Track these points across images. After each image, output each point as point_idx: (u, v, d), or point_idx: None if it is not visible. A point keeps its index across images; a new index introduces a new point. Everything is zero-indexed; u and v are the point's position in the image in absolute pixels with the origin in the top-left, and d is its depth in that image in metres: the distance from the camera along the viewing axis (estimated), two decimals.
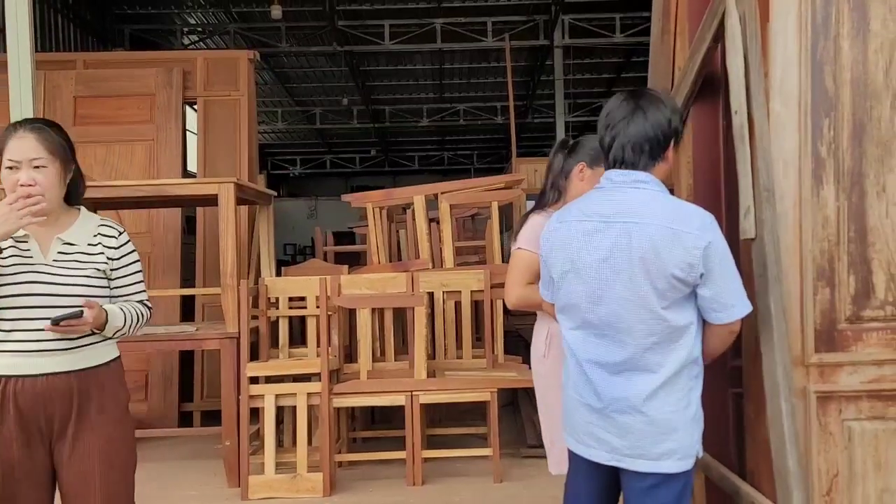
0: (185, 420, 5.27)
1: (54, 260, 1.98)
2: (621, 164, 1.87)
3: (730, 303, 1.77)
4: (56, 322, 1.85)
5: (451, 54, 11.42)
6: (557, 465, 2.39)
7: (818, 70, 1.97)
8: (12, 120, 3.30)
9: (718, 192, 2.41)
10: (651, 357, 1.79)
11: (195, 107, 5.91)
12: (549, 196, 2.56)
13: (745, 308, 1.80)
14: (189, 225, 5.61)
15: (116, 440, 2.01)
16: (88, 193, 2.19)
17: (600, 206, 1.86)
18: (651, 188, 1.84)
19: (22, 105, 3.91)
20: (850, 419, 1.95)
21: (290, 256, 15.25)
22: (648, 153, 1.84)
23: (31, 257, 1.97)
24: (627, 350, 1.80)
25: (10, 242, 1.96)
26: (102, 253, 2.05)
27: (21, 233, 1.96)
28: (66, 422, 1.95)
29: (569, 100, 11.51)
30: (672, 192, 2.58)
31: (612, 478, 1.95)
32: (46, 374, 1.92)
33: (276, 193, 4.86)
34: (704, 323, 1.84)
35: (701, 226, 1.75)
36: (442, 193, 4.07)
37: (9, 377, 1.91)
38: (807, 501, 1.81)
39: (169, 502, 3.73)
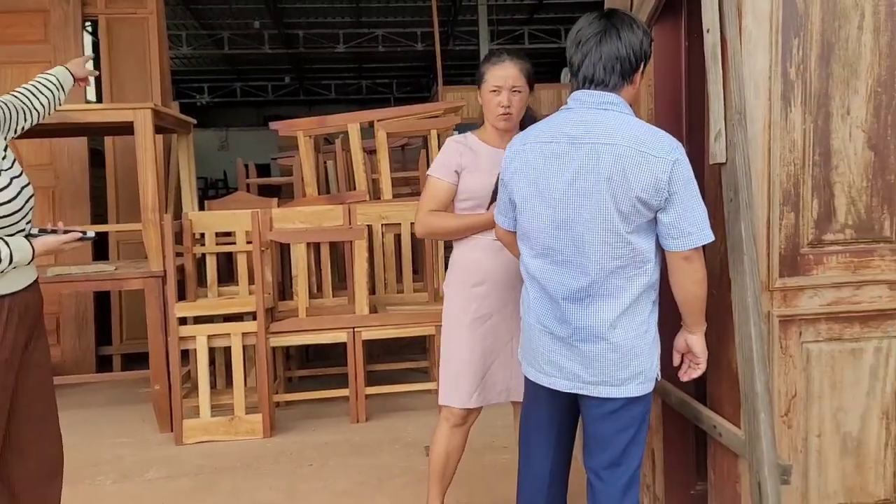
0: (103, 364, 4.99)
1: None
2: (590, 82, 1.80)
3: (687, 230, 1.74)
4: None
5: None
6: (449, 396, 2.38)
7: None
8: None
9: (680, 117, 2.35)
10: (614, 282, 1.77)
11: (88, 28, 5.39)
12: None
13: (702, 237, 1.76)
14: (95, 157, 5.18)
15: (48, 353, 2.09)
16: None
17: (568, 128, 1.78)
18: (620, 110, 1.79)
19: None
20: (809, 341, 1.98)
21: (202, 191, 14.59)
22: (620, 73, 1.79)
23: None
24: (589, 276, 1.77)
25: None
26: None
27: None
28: (33, 330, 2.01)
29: (492, 27, 11.25)
30: None
31: (571, 404, 1.95)
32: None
33: (195, 121, 4.52)
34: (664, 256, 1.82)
35: (669, 150, 1.72)
36: (378, 121, 3.87)
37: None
38: (772, 424, 1.83)
39: (99, 450, 3.53)
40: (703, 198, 2.09)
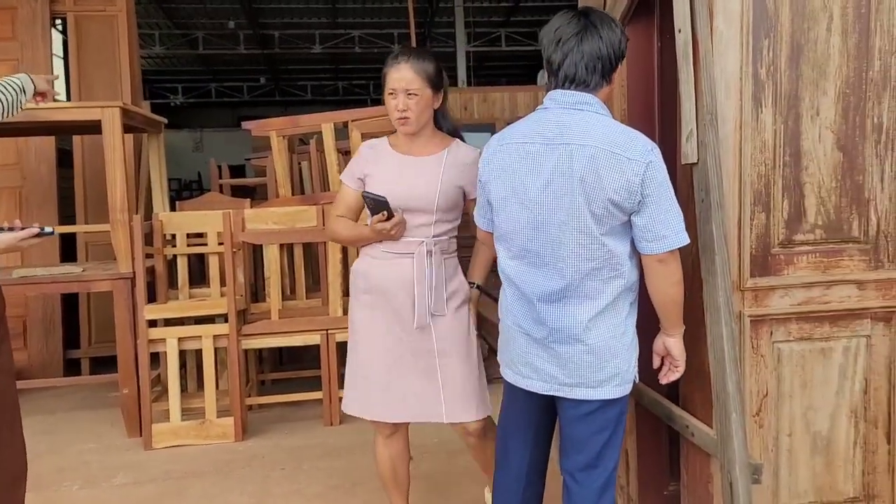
0: (70, 368, 4.89)
1: None
2: (571, 82, 1.78)
3: (662, 233, 1.72)
4: None
5: None
6: (349, 404, 2.29)
7: None
8: None
9: (653, 117, 2.36)
10: (590, 284, 1.76)
11: (58, 26, 5.30)
12: None
13: (677, 240, 1.74)
14: (63, 157, 5.08)
15: (10, 357, 2.05)
16: None
17: (543, 128, 1.78)
18: (595, 110, 1.78)
19: None
20: (780, 341, 1.99)
21: (175, 192, 14.42)
22: (601, 72, 1.78)
23: None
24: (566, 278, 1.76)
25: None
26: None
27: None
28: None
29: (468, 29, 11.26)
30: None
31: (548, 406, 1.94)
32: None
33: (166, 121, 4.45)
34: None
35: (643, 152, 1.71)
36: (353, 121, 3.84)
37: None
38: (743, 424, 1.84)
39: (66, 456, 3.45)
40: (678, 197, 2.10)
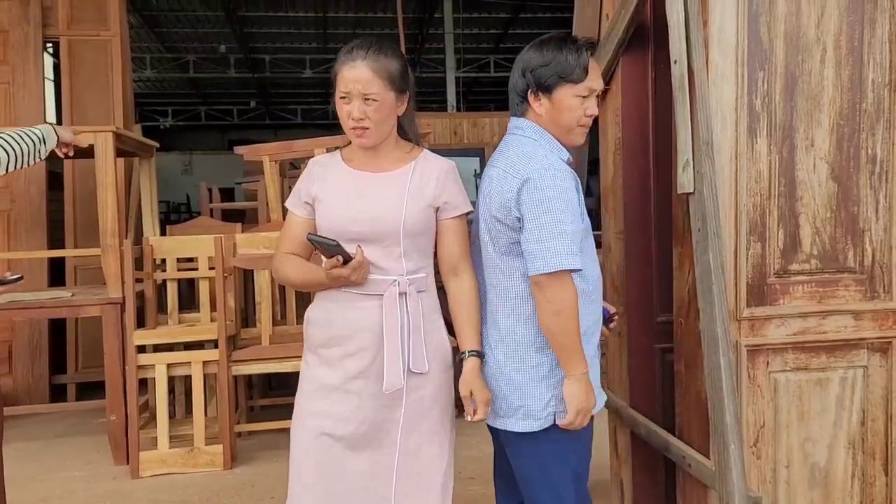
0: (57, 394, 4.81)
1: None
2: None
3: (534, 253, 1.66)
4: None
5: (336, 2, 10.93)
6: None
7: (754, 21, 1.94)
8: None
9: (647, 146, 2.37)
10: (491, 301, 1.80)
11: (49, 50, 5.29)
12: None
13: (556, 263, 1.63)
14: (54, 180, 5.05)
15: None
16: None
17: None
18: (522, 134, 1.81)
19: None
20: (777, 371, 1.99)
21: (164, 215, 14.36)
22: (518, 94, 1.82)
23: None
24: (485, 298, 1.82)
25: None
26: None
27: None
28: None
29: (458, 55, 11.35)
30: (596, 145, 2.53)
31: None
32: None
33: (158, 145, 4.44)
34: None
35: (525, 169, 1.71)
36: (345, 146, 3.83)
37: None
38: (742, 455, 1.83)
39: (51, 484, 3.38)
40: (671, 226, 2.11)
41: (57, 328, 4.88)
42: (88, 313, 3.67)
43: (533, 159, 1.71)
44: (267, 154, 3.94)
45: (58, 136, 2.25)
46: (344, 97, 1.73)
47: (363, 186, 1.77)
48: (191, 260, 3.96)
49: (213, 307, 3.80)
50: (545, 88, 1.75)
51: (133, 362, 3.45)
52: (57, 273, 4.92)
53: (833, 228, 1.99)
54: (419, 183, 1.78)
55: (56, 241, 4.93)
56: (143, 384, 3.56)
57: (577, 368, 1.69)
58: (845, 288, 1.99)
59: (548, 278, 1.65)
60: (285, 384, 4.68)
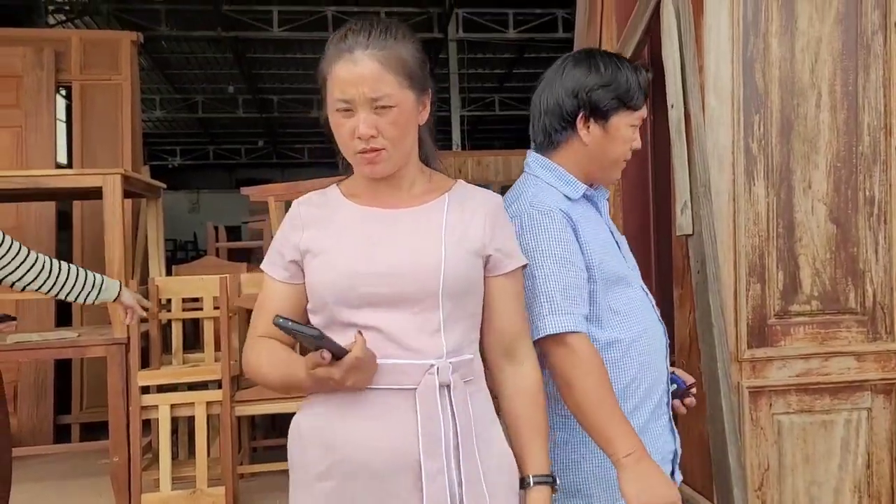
0: (61, 434, 4.79)
1: None
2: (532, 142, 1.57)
3: (529, 316, 1.33)
4: None
5: None
6: None
7: (749, 66, 1.98)
8: None
9: (647, 189, 2.40)
10: None
11: (62, 92, 5.40)
12: None
13: (535, 328, 1.32)
14: (62, 219, 5.11)
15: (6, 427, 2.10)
16: None
17: None
18: (527, 171, 1.52)
19: None
20: (780, 413, 1.98)
21: (171, 252, 14.47)
22: (543, 128, 1.52)
23: None
24: None
25: None
26: None
27: None
28: None
29: (462, 94, 11.52)
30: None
31: None
32: None
33: (165, 186, 4.50)
34: None
35: (506, 212, 1.34)
36: (345, 178, 3.88)
37: None
38: (745, 499, 1.81)
39: None
40: (670, 268, 2.12)
41: (62, 368, 4.89)
42: (93, 354, 3.68)
43: (516, 201, 1.43)
44: (273, 195, 3.99)
45: (120, 294, 2.31)
46: (345, 109, 1.18)
47: (380, 229, 1.22)
48: (196, 299, 3.98)
49: (217, 347, 3.81)
50: (601, 114, 1.44)
51: (137, 403, 3.45)
52: (64, 312, 4.94)
53: (833, 269, 1.99)
54: (459, 222, 1.24)
55: None
56: (147, 424, 3.55)
57: (622, 448, 1.26)
58: (847, 329, 1.99)
59: (543, 345, 1.32)
60: (289, 424, 4.66)
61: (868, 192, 2.00)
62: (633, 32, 2.19)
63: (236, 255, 5.81)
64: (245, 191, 4.07)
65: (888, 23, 1.96)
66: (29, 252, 2.20)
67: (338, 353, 1.09)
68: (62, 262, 2.29)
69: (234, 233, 8.93)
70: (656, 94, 2.37)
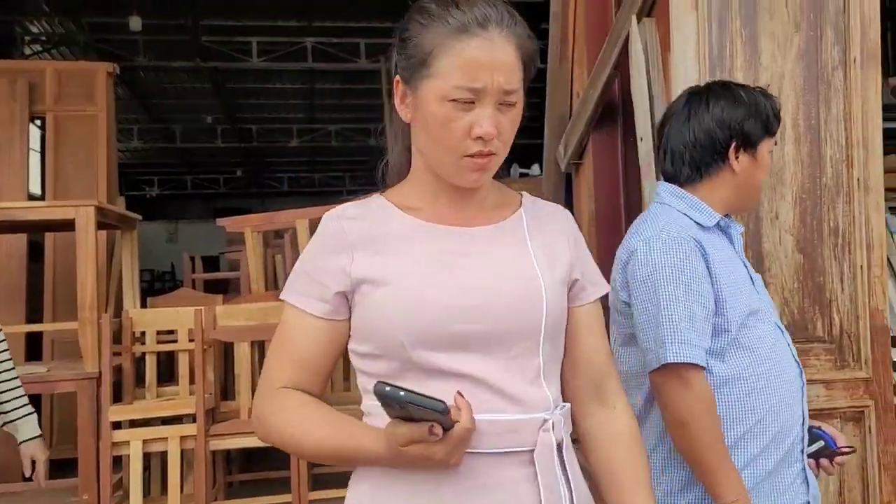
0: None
1: None
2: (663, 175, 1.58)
3: (646, 344, 1.36)
4: None
5: (323, 74, 11.22)
6: None
7: None
8: None
9: (619, 217, 2.43)
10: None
11: (37, 123, 5.38)
12: None
13: (656, 357, 1.33)
14: (34, 250, 5.04)
15: None
16: None
17: None
18: (657, 200, 1.52)
19: None
20: None
21: (148, 283, 14.31)
22: (688, 162, 1.50)
23: None
24: None
25: None
26: None
27: None
28: None
29: None
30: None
31: None
32: None
33: (140, 217, 4.47)
34: None
35: (634, 240, 1.41)
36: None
37: None
38: None
39: None
40: None
41: (32, 403, 4.78)
42: (63, 389, 3.62)
43: (644, 226, 1.43)
44: (249, 226, 3.98)
45: (30, 440, 2.36)
46: (465, 99, 0.95)
47: (460, 252, 1.00)
48: (171, 332, 3.93)
49: (191, 380, 3.76)
50: (751, 143, 1.47)
51: (108, 439, 3.38)
52: (34, 345, 4.86)
53: (801, 299, 2.02)
54: (543, 244, 1.05)
55: (34, 312, 4.88)
56: (119, 461, 3.48)
57: (730, 494, 1.28)
58: (816, 357, 2.02)
59: (659, 376, 1.31)
60: (266, 458, 4.59)
61: (832, 223, 2.04)
62: (602, 67, 2.23)
63: (214, 286, 5.76)
64: (221, 222, 4.06)
65: (847, 58, 2.02)
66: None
67: (446, 427, 0.86)
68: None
69: (212, 263, 8.88)
70: (627, 127, 2.42)
